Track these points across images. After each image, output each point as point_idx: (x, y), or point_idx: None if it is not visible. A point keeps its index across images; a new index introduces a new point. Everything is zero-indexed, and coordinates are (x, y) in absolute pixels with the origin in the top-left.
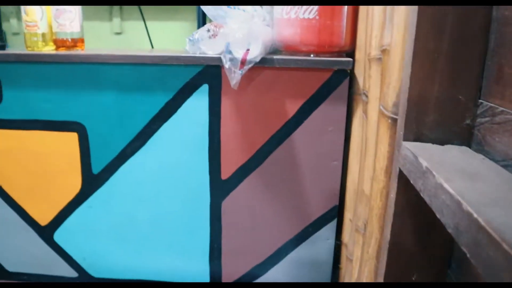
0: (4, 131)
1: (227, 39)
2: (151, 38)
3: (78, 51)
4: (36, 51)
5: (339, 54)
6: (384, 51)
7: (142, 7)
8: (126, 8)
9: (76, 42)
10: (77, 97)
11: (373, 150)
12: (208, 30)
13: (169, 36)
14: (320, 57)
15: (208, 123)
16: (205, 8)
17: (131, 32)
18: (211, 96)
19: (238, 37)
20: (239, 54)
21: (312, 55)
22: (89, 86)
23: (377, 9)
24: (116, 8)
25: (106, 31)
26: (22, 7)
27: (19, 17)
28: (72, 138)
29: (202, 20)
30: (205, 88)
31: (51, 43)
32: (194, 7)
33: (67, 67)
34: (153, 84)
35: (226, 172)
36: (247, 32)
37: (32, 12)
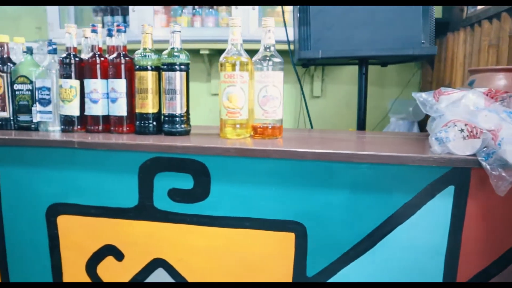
0: (209, 228)
1: (497, 144)
2: None
3: (276, 139)
4: (231, 138)
5: None
6: None
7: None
8: None
9: (276, 130)
10: (298, 195)
11: None
12: (462, 130)
13: None
14: None
15: (449, 226)
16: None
17: None
18: (456, 198)
19: None
20: None
21: None
22: (316, 184)
23: None
24: (214, 70)
25: (203, 91)
26: (226, 92)
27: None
28: (288, 239)
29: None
30: (450, 190)
31: (248, 130)
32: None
33: (290, 163)
34: (392, 184)
35: (463, 277)
36: None
37: (235, 99)
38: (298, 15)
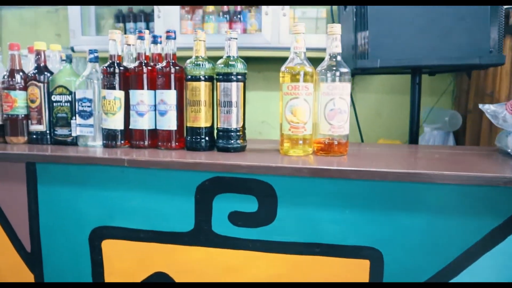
0: (274, 255)
1: None
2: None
3: (342, 156)
4: (293, 155)
5: None
6: None
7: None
8: (249, 78)
9: (342, 146)
10: (374, 218)
11: None
12: None
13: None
14: None
15: None
16: None
17: (252, 102)
18: None
19: None
20: None
21: None
22: (393, 206)
23: None
24: None
25: None
26: (289, 105)
27: None
28: (362, 266)
29: None
30: None
31: (311, 146)
32: None
33: (365, 183)
34: (479, 207)
35: None
36: None
37: (300, 112)
38: (354, 20)
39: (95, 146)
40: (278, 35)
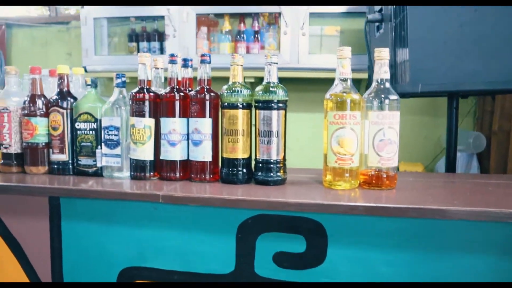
0: None
1: None
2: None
3: (391, 190)
4: (339, 188)
5: None
6: None
7: None
8: None
9: (392, 179)
10: (434, 259)
11: None
12: None
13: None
14: None
15: None
16: None
17: None
18: None
19: None
20: None
21: None
22: (456, 247)
23: None
24: None
25: None
26: (335, 135)
27: None
28: None
29: None
30: None
31: (357, 179)
32: None
33: (424, 222)
34: None
35: None
36: None
37: (348, 143)
38: (392, 37)
39: (122, 178)
40: (298, 55)
